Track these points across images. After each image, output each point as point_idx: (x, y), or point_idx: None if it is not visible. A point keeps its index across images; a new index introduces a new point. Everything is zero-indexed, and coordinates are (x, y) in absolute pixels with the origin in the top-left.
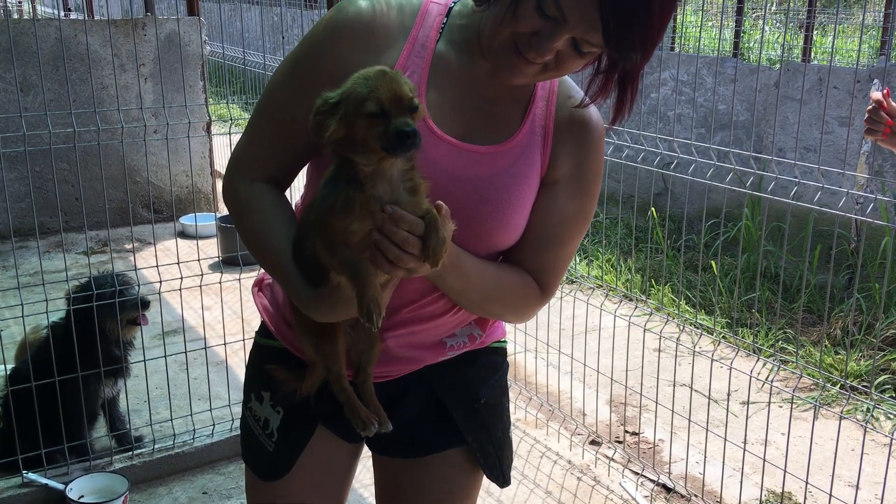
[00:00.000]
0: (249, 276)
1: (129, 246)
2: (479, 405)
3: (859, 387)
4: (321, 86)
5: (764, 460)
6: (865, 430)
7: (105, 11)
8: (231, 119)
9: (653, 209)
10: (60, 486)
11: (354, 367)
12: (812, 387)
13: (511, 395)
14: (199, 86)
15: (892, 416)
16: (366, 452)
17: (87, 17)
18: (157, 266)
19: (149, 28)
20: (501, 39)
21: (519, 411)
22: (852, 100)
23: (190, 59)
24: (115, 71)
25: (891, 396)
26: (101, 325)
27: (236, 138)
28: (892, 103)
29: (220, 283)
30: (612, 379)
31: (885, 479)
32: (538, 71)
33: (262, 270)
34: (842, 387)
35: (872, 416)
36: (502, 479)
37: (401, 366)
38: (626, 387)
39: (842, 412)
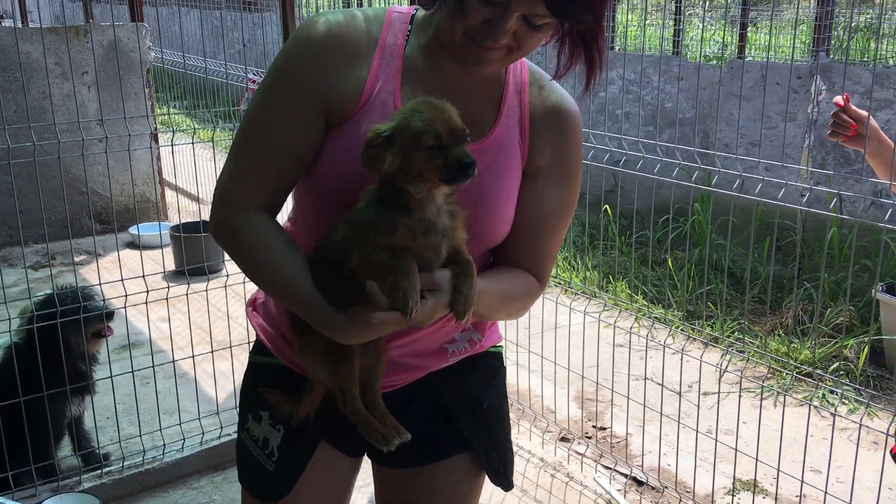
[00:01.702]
0: (215, 287)
1: (77, 259)
2: (481, 410)
3: (816, 372)
4: (304, 105)
5: (736, 450)
6: (835, 417)
7: (37, 17)
8: (173, 129)
9: (607, 207)
10: None
11: (362, 384)
12: (769, 375)
13: None
14: (143, 93)
15: (846, 401)
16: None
17: (22, 25)
18: (122, 280)
19: (91, 35)
20: (458, 35)
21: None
22: (789, 95)
23: (133, 66)
24: (56, 80)
25: (843, 382)
26: (66, 340)
27: (180, 148)
28: (852, 107)
29: (186, 294)
30: (582, 376)
31: (855, 465)
32: (502, 55)
33: (256, 289)
34: (798, 374)
35: (827, 401)
36: (506, 483)
37: (405, 374)
38: (596, 382)
39: (811, 400)
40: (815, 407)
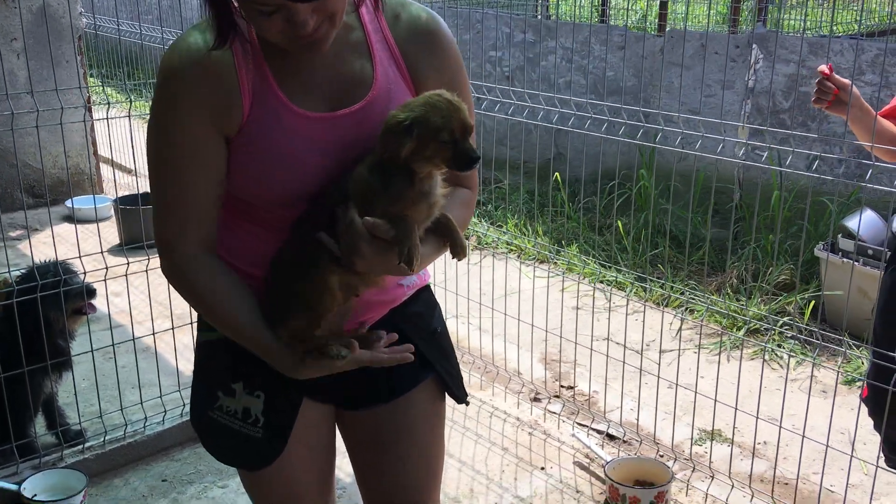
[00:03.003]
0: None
1: (14, 234)
2: (436, 335)
3: (763, 327)
4: (205, 134)
5: (696, 398)
6: (787, 370)
7: None
8: (108, 102)
9: (557, 174)
10: (14, 487)
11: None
12: (719, 332)
13: None
14: (76, 61)
15: (793, 354)
16: None
17: None
18: (79, 256)
19: None
20: (278, 40)
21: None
22: (727, 64)
23: (64, 32)
24: None
25: (792, 337)
26: (46, 316)
27: (117, 122)
28: (836, 76)
29: (146, 270)
30: (546, 338)
31: (807, 412)
32: (327, 28)
33: None
34: (748, 330)
35: (776, 354)
36: (464, 396)
37: (372, 313)
38: (560, 344)
39: (763, 354)
40: (766, 361)
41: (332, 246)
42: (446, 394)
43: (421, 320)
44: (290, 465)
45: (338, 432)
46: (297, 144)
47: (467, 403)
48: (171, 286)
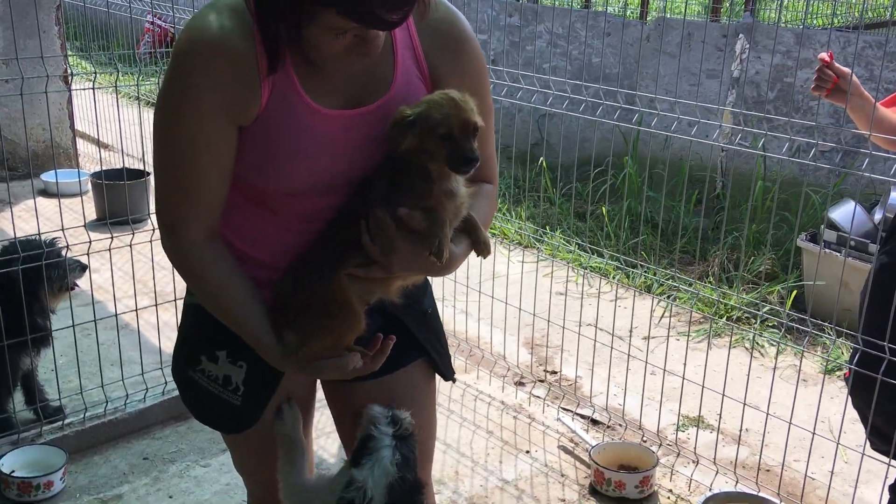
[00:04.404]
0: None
1: None
2: (427, 316)
3: (745, 317)
4: (215, 122)
5: (682, 384)
6: (776, 360)
7: None
8: (95, 72)
9: (543, 160)
10: None
11: None
12: (702, 320)
13: None
14: (54, 31)
15: (773, 343)
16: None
17: None
18: (62, 229)
19: None
20: (334, 51)
21: None
22: (703, 52)
23: (44, 1)
24: None
25: (773, 326)
26: (33, 291)
27: (90, 93)
28: (836, 64)
29: (130, 245)
30: (533, 321)
31: (794, 400)
32: (381, 41)
33: None
34: (730, 318)
35: (757, 343)
36: (451, 374)
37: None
38: (547, 327)
39: (751, 343)
40: (747, 349)
41: (372, 250)
42: (436, 369)
43: (413, 301)
44: (267, 431)
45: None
46: (309, 139)
47: (454, 381)
48: (172, 266)
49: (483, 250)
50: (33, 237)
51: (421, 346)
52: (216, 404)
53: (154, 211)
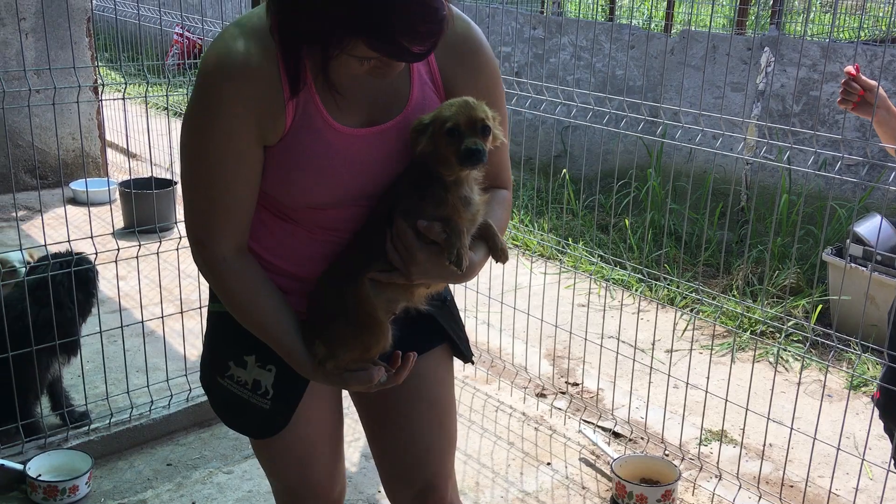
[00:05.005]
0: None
1: (14, 214)
2: (447, 303)
3: (769, 331)
4: (242, 141)
5: (706, 398)
6: (801, 375)
7: None
8: (126, 82)
9: (566, 172)
10: (19, 466)
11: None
12: (725, 333)
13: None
14: (84, 42)
15: (798, 358)
16: None
17: None
18: (91, 237)
19: None
20: (356, 73)
21: (468, 368)
22: (728, 64)
23: (75, 13)
24: None
25: (797, 340)
26: (61, 300)
27: (121, 104)
28: (863, 77)
29: (157, 253)
30: (554, 334)
31: (819, 416)
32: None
33: None
34: (754, 333)
35: (782, 357)
36: (470, 356)
37: None
38: (570, 334)
39: (775, 357)
40: (771, 363)
41: (394, 259)
42: (454, 357)
43: (435, 292)
44: (297, 433)
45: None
46: (330, 157)
47: (472, 363)
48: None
49: (501, 256)
50: (65, 252)
51: (443, 332)
52: (246, 409)
53: (181, 221)
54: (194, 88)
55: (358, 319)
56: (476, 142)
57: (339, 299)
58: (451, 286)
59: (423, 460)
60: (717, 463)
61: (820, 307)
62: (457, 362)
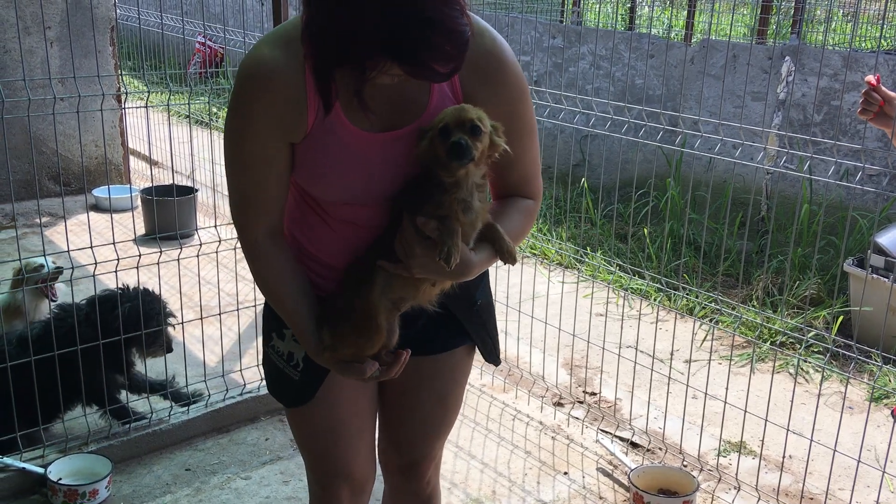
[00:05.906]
0: (190, 255)
1: (38, 220)
2: (477, 307)
3: (790, 342)
4: (270, 140)
5: (725, 408)
6: (820, 386)
7: None
8: (149, 91)
9: (584, 181)
10: (39, 470)
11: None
12: (745, 344)
13: (475, 360)
14: (108, 51)
15: (818, 370)
16: None
17: None
18: (113, 243)
19: None
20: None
21: (485, 376)
22: (748, 74)
23: (99, 22)
24: (18, 34)
25: (817, 351)
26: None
27: (144, 112)
28: (883, 88)
29: (177, 260)
30: (572, 343)
31: (839, 428)
32: None
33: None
34: (774, 343)
35: (802, 368)
36: (497, 360)
37: None
38: (587, 343)
39: (796, 369)
40: (791, 374)
41: (399, 252)
42: (482, 354)
43: (462, 291)
44: (325, 406)
45: None
46: (347, 157)
47: (498, 364)
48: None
49: (507, 258)
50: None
51: (466, 333)
52: (281, 378)
53: (202, 228)
54: (231, 92)
55: (359, 323)
56: (462, 136)
57: (349, 301)
58: (489, 290)
59: (418, 443)
60: (736, 474)
61: (841, 318)
62: (478, 369)
